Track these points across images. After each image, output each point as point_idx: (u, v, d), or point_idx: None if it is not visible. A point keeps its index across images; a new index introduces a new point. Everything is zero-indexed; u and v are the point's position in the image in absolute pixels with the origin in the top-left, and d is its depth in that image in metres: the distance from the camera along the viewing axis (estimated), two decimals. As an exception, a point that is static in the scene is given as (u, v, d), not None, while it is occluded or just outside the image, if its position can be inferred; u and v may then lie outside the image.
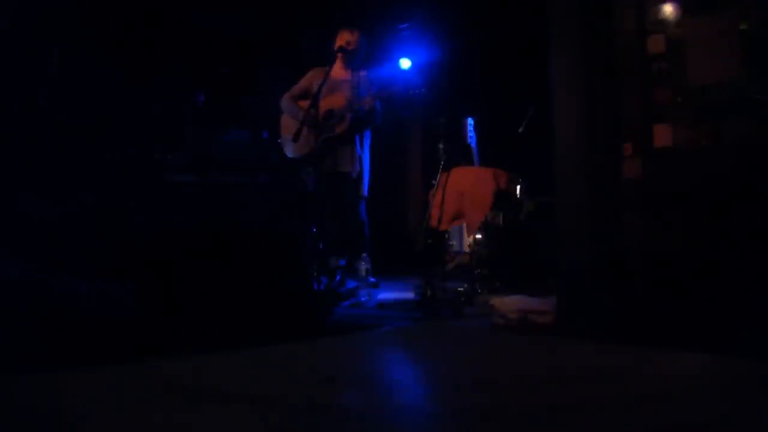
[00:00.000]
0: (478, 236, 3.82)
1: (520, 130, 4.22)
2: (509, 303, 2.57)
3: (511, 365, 1.91)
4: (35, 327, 2.34)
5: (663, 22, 2.25)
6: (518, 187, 3.94)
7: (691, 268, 2.08)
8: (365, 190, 3.83)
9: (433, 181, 3.63)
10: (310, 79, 3.83)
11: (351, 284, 3.50)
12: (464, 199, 3.95)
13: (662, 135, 2.21)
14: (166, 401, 1.46)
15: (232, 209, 3.04)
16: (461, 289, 3.21)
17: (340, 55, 3.76)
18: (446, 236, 4.15)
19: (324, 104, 3.64)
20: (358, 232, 3.76)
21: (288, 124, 3.82)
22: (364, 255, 3.76)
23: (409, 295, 3.28)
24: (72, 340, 2.20)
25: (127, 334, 2.33)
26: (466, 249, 4.01)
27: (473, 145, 4.29)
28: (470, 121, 4.32)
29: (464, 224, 4.06)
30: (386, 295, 3.65)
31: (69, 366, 1.76)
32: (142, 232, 2.85)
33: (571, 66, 2.39)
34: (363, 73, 3.86)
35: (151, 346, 2.08)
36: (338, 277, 3.45)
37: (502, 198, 3.89)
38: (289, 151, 3.81)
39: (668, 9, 2.24)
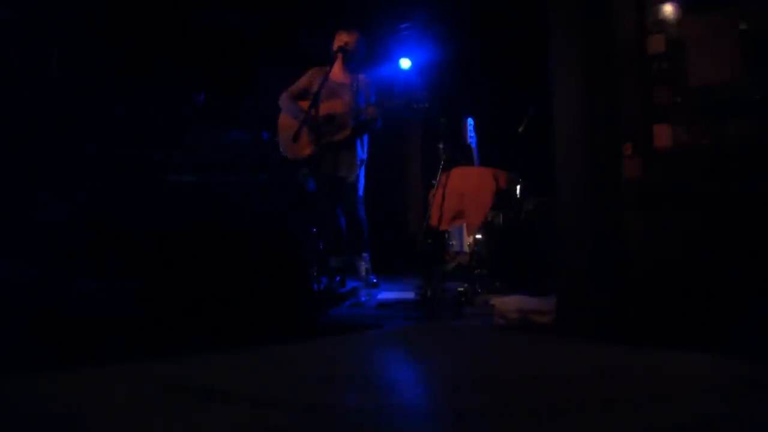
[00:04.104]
0: (478, 236, 3.82)
1: (520, 130, 4.22)
2: (509, 303, 2.58)
3: (512, 365, 1.91)
4: (36, 327, 2.34)
5: (663, 22, 2.25)
6: (518, 187, 3.94)
7: (690, 267, 2.08)
8: (360, 190, 3.83)
9: (433, 181, 3.63)
10: (310, 78, 3.83)
11: (351, 284, 3.50)
12: (464, 199, 3.96)
13: (662, 135, 2.21)
14: (167, 401, 1.46)
15: (232, 209, 3.04)
16: (461, 289, 3.20)
17: (339, 55, 3.75)
18: (446, 236, 4.15)
19: (324, 108, 3.63)
20: (358, 232, 3.76)
21: (286, 123, 3.81)
22: (364, 255, 3.76)
23: (409, 295, 3.27)
24: (72, 340, 2.20)
25: (127, 334, 2.33)
26: (466, 249, 4.02)
27: (473, 145, 4.29)
28: (470, 121, 4.32)
29: (464, 224, 4.07)
30: (386, 295, 3.65)
31: (69, 366, 1.76)
32: (141, 232, 2.84)
33: (571, 66, 2.39)
34: (362, 77, 3.86)
35: (151, 346, 2.08)
36: (338, 278, 3.45)
37: (502, 198, 3.89)
38: (286, 151, 3.80)
39: (668, 9, 2.24)
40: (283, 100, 3.86)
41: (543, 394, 1.53)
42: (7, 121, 3.31)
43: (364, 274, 3.70)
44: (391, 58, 5.26)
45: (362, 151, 3.83)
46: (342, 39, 3.81)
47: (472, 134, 4.32)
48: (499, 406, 1.41)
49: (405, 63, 5.20)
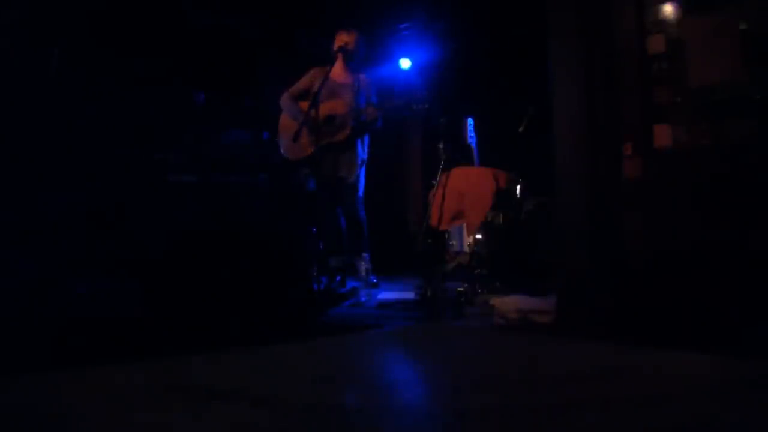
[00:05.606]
0: (478, 236, 3.82)
1: (520, 130, 4.22)
2: (509, 303, 2.58)
3: (511, 365, 1.91)
4: (36, 327, 2.34)
5: (663, 22, 2.25)
6: (518, 187, 3.94)
7: (690, 267, 2.08)
8: (361, 190, 3.83)
9: (433, 181, 3.63)
10: (311, 78, 3.82)
11: (351, 284, 3.50)
12: (464, 199, 3.96)
13: (662, 135, 2.21)
14: (166, 401, 1.46)
15: (232, 209, 3.04)
16: (461, 289, 3.20)
17: (340, 55, 3.75)
18: (446, 236, 4.15)
19: (324, 108, 3.63)
20: (358, 232, 3.76)
21: (287, 124, 3.81)
22: (364, 255, 3.76)
23: (409, 295, 3.27)
24: (73, 340, 2.20)
25: (127, 334, 2.33)
26: (466, 249, 4.01)
27: (473, 145, 4.29)
28: (470, 121, 4.32)
29: (464, 224, 4.07)
30: (386, 295, 3.64)
31: (69, 366, 1.76)
32: (141, 232, 2.84)
33: (570, 66, 2.39)
34: (363, 77, 3.86)
35: (151, 346, 2.08)
36: (338, 278, 3.45)
37: (502, 198, 3.89)
38: (287, 151, 3.80)
39: (668, 9, 2.24)
40: (284, 100, 3.86)
41: (543, 394, 1.53)
42: (7, 121, 3.32)
43: (364, 274, 3.70)
44: (391, 58, 5.26)
45: (363, 152, 3.83)
46: (342, 39, 3.81)
47: (472, 134, 4.32)
48: (499, 406, 1.41)
49: (405, 63, 5.20)
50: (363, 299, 3.38)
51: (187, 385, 1.61)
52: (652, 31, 2.27)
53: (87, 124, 3.70)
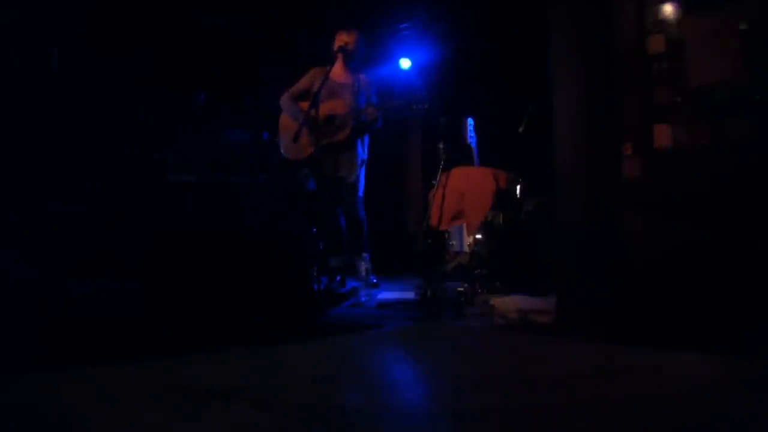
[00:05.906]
0: (478, 236, 3.82)
1: (520, 130, 4.22)
2: (509, 303, 2.58)
3: (512, 365, 1.91)
4: (36, 327, 2.34)
5: (663, 22, 2.25)
6: (518, 187, 3.94)
7: (690, 268, 2.08)
8: (360, 190, 3.84)
9: (433, 181, 3.63)
10: (311, 79, 3.83)
11: (351, 284, 3.50)
12: (464, 199, 3.96)
13: (662, 135, 2.21)
14: (166, 401, 1.46)
15: (232, 209, 3.04)
16: (461, 289, 3.20)
17: (340, 55, 3.75)
18: (446, 236, 4.15)
19: (325, 108, 3.63)
20: (357, 232, 3.76)
21: (287, 124, 3.81)
22: (364, 255, 3.76)
23: (409, 295, 3.27)
24: (73, 340, 2.20)
25: (126, 334, 2.33)
26: (466, 249, 4.01)
27: (473, 145, 4.29)
28: (470, 121, 4.32)
29: (464, 224, 4.07)
30: (386, 295, 3.65)
31: (69, 366, 1.76)
32: (141, 232, 2.84)
33: (570, 65, 2.39)
34: (363, 77, 3.86)
35: (151, 346, 2.08)
36: (338, 278, 3.45)
37: (502, 198, 3.89)
38: (287, 152, 3.80)
39: (668, 9, 2.24)
40: (284, 100, 3.86)
41: (543, 394, 1.53)
42: (7, 121, 3.31)
43: (364, 274, 3.70)
44: (391, 58, 5.26)
45: (363, 152, 3.83)
46: (342, 39, 3.81)
47: (472, 134, 4.32)
48: (499, 406, 1.41)
49: (405, 63, 5.20)
50: (363, 299, 3.38)
51: (187, 385, 1.61)
52: (652, 31, 2.27)
53: (87, 124, 3.70)
